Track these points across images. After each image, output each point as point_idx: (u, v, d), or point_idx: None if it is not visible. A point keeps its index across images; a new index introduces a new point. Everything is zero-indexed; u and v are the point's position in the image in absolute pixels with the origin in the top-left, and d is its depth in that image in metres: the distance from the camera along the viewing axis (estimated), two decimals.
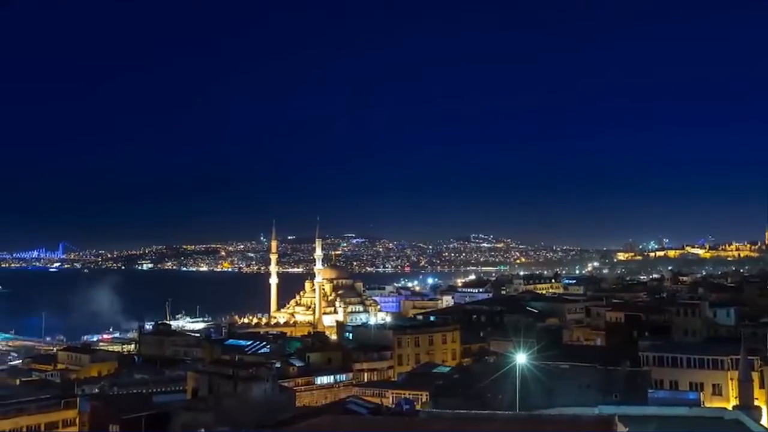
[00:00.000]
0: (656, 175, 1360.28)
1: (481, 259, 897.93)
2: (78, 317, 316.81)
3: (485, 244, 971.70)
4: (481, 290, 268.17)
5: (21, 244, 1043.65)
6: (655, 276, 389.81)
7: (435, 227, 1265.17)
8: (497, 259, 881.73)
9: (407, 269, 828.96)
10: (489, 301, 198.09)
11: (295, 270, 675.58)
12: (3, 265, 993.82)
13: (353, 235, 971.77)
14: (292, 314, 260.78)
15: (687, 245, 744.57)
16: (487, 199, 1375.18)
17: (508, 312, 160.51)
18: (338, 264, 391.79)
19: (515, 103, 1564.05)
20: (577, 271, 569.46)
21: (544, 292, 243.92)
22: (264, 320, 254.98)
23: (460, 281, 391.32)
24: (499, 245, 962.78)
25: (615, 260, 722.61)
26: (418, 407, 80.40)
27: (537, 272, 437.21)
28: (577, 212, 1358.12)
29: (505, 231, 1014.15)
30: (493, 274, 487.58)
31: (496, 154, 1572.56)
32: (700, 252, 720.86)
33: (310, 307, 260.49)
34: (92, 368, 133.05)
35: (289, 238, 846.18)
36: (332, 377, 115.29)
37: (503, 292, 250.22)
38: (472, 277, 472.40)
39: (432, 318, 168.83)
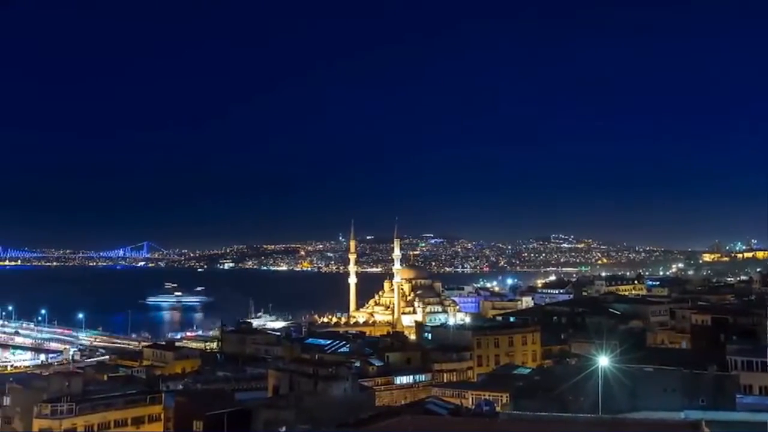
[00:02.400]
0: (744, 174, 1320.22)
1: (562, 260, 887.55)
2: (162, 314, 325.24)
3: (566, 245, 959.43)
4: (561, 291, 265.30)
5: (107, 244, 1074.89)
6: (743, 278, 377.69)
7: (514, 227, 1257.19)
8: (578, 260, 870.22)
9: (486, 269, 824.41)
10: (570, 303, 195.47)
11: (374, 270, 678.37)
12: (91, 264, 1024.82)
13: (431, 235, 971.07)
14: (371, 314, 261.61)
15: None
16: (568, 198, 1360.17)
17: (589, 313, 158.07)
18: (417, 264, 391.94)
19: (598, 102, 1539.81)
20: (661, 273, 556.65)
21: (626, 293, 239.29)
22: (343, 319, 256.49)
23: (540, 282, 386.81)
24: (580, 245, 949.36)
25: (700, 261, 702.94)
26: (498, 409, 79.72)
27: (619, 273, 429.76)
28: (661, 212, 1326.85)
29: (587, 231, 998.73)
30: (574, 275, 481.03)
31: (577, 154, 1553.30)
32: None
33: (389, 307, 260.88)
34: (176, 365, 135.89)
35: (368, 238, 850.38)
36: (411, 377, 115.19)
37: (584, 294, 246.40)
38: (553, 277, 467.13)
39: (512, 319, 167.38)
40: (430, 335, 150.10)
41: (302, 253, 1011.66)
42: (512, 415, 56.92)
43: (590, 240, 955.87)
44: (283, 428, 63.58)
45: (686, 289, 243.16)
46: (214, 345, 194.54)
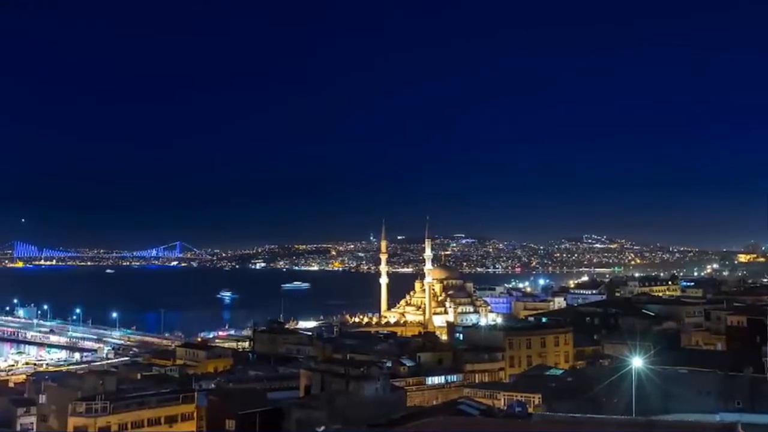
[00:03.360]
0: None
1: (594, 260, 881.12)
2: (195, 313, 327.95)
3: (598, 245, 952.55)
4: (594, 292, 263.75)
5: (140, 244, 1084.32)
6: None
7: (546, 227, 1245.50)
8: (611, 261, 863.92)
9: (518, 270, 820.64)
10: (603, 303, 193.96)
11: (405, 270, 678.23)
12: (124, 264, 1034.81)
13: (463, 235, 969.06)
14: (403, 314, 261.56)
15: None
16: (600, 199, 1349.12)
17: (622, 314, 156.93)
18: (448, 264, 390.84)
19: (629, 106, 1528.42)
20: (696, 273, 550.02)
21: (660, 294, 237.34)
22: (375, 319, 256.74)
23: (572, 282, 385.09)
24: (613, 246, 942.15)
25: (736, 262, 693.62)
26: (530, 410, 79.30)
27: (653, 274, 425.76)
28: (696, 212, 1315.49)
29: (620, 231, 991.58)
30: (607, 276, 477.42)
31: (610, 155, 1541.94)
32: None
33: (420, 307, 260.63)
34: (209, 364, 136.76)
35: (399, 238, 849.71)
36: (443, 377, 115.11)
37: (617, 294, 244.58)
38: (585, 278, 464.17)
39: (544, 319, 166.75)
40: (461, 335, 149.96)
41: (333, 253, 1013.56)
42: (545, 416, 56.54)
43: (623, 240, 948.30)
44: (321, 428, 63.55)
45: (721, 290, 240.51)
46: (246, 344, 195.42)
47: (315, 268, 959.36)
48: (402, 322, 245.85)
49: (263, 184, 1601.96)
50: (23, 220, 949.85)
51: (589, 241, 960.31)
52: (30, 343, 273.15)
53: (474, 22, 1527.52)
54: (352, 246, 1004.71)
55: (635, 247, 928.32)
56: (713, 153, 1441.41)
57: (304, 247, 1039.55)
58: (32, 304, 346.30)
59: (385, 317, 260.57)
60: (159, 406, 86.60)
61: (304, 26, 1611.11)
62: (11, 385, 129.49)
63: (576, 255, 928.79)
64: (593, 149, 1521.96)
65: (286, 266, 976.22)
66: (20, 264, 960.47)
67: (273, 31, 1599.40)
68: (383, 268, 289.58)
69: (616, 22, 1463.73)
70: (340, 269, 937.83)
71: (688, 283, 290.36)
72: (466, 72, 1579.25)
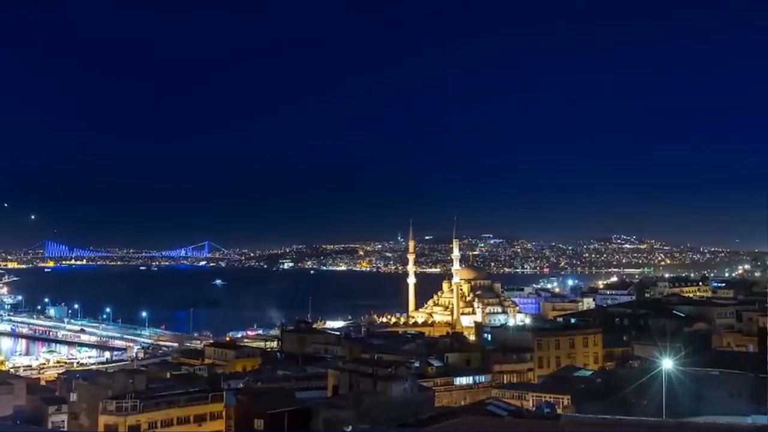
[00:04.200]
0: None
1: (624, 261, 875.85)
2: (223, 313, 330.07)
3: (627, 245, 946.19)
4: (623, 292, 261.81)
5: (168, 244, 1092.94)
6: None
7: (575, 228, 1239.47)
8: (640, 261, 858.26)
9: (546, 270, 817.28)
10: (632, 304, 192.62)
11: (433, 270, 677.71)
12: (154, 263, 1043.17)
13: (490, 235, 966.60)
14: (431, 314, 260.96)
15: None
16: (630, 198, 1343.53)
17: (652, 315, 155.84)
18: (476, 264, 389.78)
19: (662, 104, 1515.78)
20: (727, 274, 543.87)
21: (690, 295, 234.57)
22: (402, 320, 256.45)
23: (601, 283, 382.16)
24: (643, 246, 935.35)
25: None
26: (559, 411, 78.89)
27: (683, 275, 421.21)
28: (726, 212, 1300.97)
29: (649, 232, 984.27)
30: (637, 276, 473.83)
31: (639, 153, 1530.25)
32: None
33: (448, 308, 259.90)
34: (237, 363, 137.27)
35: (427, 238, 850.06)
36: (471, 378, 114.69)
37: (647, 295, 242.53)
38: (614, 279, 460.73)
39: (573, 320, 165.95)
40: (489, 336, 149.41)
41: (361, 253, 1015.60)
42: (574, 417, 56.28)
43: (653, 241, 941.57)
44: (349, 428, 63.50)
45: (753, 291, 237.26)
46: (274, 344, 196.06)
47: (342, 268, 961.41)
48: (430, 322, 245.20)
49: (292, 183, 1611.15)
50: (32, 216, 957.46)
51: (619, 241, 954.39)
52: (61, 342, 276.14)
53: (510, 17, 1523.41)
54: (379, 246, 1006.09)
55: (665, 248, 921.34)
56: (745, 150, 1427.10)
57: (331, 247, 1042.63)
58: (63, 303, 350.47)
59: (413, 317, 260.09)
60: (188, 405, 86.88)
61: (340, 19, 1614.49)
62: (43, 383, 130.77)
63: (605, 255, 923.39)
64: (622, 148, 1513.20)
65: (314, 266, 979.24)
66: (51, 263, 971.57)
67: (304, 25, 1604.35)
68: (411, 268, 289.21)
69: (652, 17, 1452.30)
70: (367, 269, 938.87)
71: (719, 284, 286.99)
72: (497, 72, 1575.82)
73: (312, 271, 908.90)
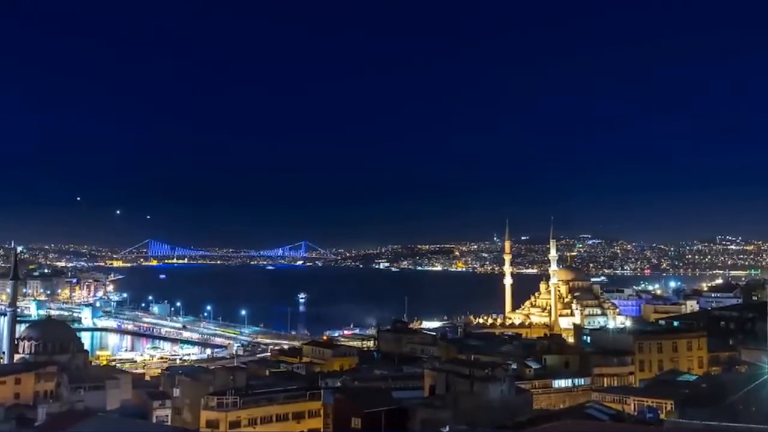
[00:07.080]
0: None
1: (729, 262, 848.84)
2: (320, 312, 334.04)
3: (733, 246, 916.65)
4: (729, 295, 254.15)
5: (266, 243, 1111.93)
6: None
7: (677, 228, 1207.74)
8: (747, 263, 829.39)
9: (647, 272, 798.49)
10: (739, 307, 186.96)
11: (530, 271, 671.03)
12: (252, 263, 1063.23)
13: (589, 235, 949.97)
14: (528, 315, 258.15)
15: None
16: (736, 198, 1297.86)
17: (760, 319, 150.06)
18: (574, 265, 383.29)
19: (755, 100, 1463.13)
20: None
21: None
22: (499, 321, 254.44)
23: (705, 285, 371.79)
24: (749, 247, 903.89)
25: None
26: (662, 416, 76.78)
27: None
28: None
29: (756, 232, 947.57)
30: (743, 279, 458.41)
31: (746, 152, 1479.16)
32: None
33: (545, 309, 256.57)
34: (334, 362, 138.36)
35: (523, 238, 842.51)
36: (570, 381, 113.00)
37: (754, 298, 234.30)
38: (719, 281, 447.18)
39: (676, 323, 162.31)
40: (588, 338, 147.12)
41: (457, 253, 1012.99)
42: (678, 423, 54.58)
43: (760, 242, 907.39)
44: (446, 428, 63.10)
45: None
46: (371, 343, 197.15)
47: (438, 268, 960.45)
48: (527, 323, 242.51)
49: (388, 184, 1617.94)
50: (148, 217, 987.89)
51: (724, 242, 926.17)
52: (164, 338, 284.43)
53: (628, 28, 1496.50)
54: (475, 246, 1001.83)
55: None
56: None
57: (427, 247, 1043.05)
58: (166, 301, 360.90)
59: (510, 318, 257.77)
60: (287, 403, 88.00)
61: (453, 21, 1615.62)
62: (147, 378, 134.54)
63: (709, 257, 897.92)
64: (725, 147, 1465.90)
65: (410, 266, 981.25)
66: (154, 262, 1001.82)
67: (414, 24, 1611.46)
68: (507, 268, 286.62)
69: None
70: (463, 269, 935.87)
71: None
72: (608, 78, 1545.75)
73: (396, 270, 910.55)
